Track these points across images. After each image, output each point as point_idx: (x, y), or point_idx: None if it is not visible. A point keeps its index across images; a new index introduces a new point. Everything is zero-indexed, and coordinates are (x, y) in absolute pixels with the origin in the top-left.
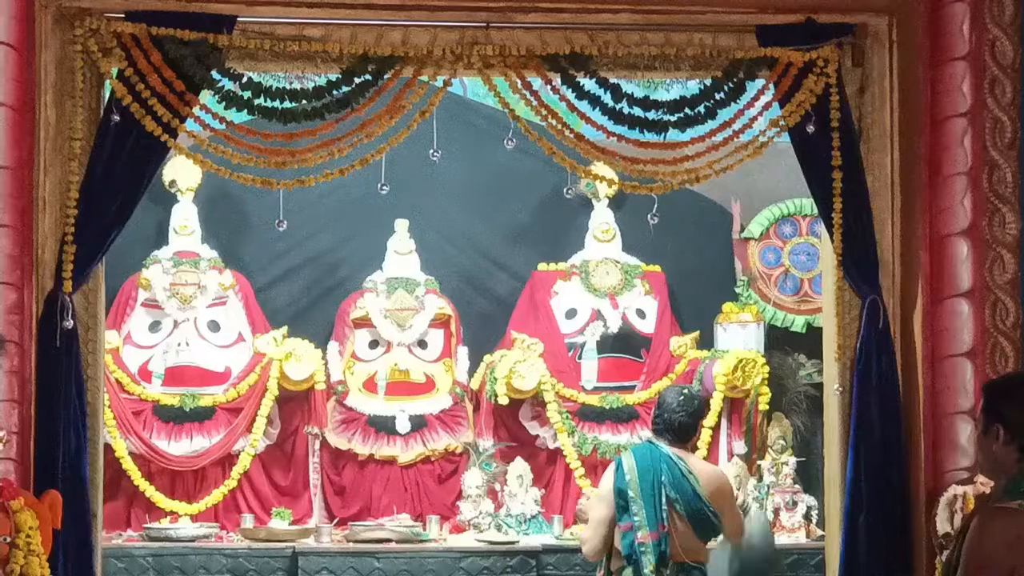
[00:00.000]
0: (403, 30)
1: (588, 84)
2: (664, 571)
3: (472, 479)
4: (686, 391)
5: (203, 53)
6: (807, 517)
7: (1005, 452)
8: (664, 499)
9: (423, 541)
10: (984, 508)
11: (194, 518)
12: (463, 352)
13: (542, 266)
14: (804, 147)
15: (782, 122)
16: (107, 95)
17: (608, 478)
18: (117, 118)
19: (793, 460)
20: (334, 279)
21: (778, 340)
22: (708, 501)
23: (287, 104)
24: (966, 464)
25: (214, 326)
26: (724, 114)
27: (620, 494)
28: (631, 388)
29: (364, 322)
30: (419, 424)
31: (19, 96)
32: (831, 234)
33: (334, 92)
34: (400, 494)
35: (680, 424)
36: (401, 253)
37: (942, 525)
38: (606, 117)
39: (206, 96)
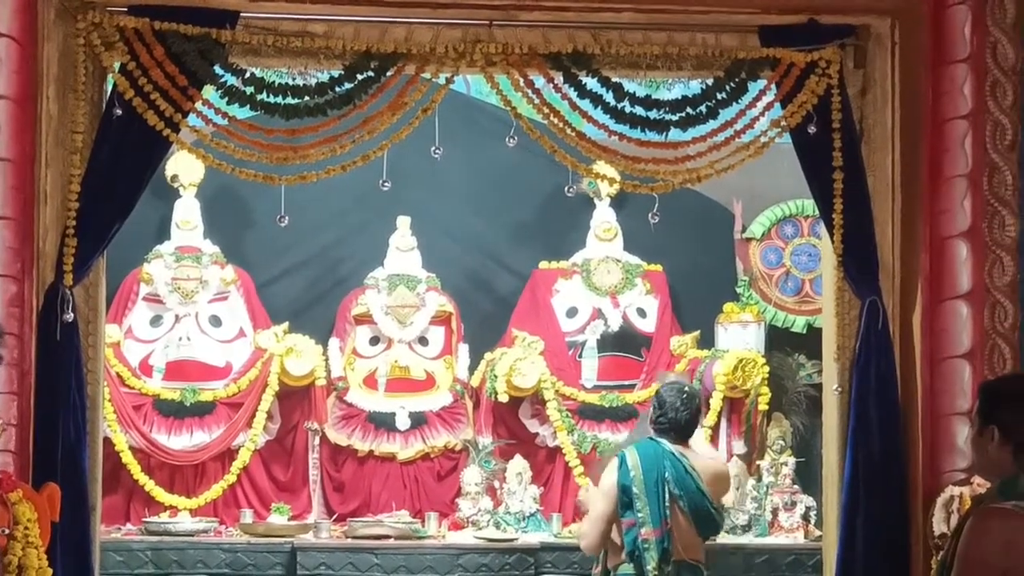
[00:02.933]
0: (406, 27)
1: (590, 83)
2: (666, 568)
3: (471, 476)
4: (687, 389)
5: (206, 48)
6: (806, 517)
7: (1000, 453)
8: (667, 496)
9: (421, 538)
10: (978, 508)
11: (193, 512)
12: (464, 349)
13: (543, 264)
14: (805, 148)
15: (784, 122)
16: (109, 89)
17: (611, 474)
18: (119, 112)
19: (792, 460)
20: (336, 275)
21: (779, 340)
22: (711, 498)
23: (290, 100)
24: (963, 465)
25: (215, 321)
26: (726, 114)
27: (624, 490)
28: (631, 387)
29: (365, 318)
30: (419, 421)
31: (21, 89)
32: (831, 235)
33: (337, 88)
34: (399, 490)
35: (685, 422)
36: (403, 250)
37: (939, 526)
38: (608, 116)
39: (209, 91)
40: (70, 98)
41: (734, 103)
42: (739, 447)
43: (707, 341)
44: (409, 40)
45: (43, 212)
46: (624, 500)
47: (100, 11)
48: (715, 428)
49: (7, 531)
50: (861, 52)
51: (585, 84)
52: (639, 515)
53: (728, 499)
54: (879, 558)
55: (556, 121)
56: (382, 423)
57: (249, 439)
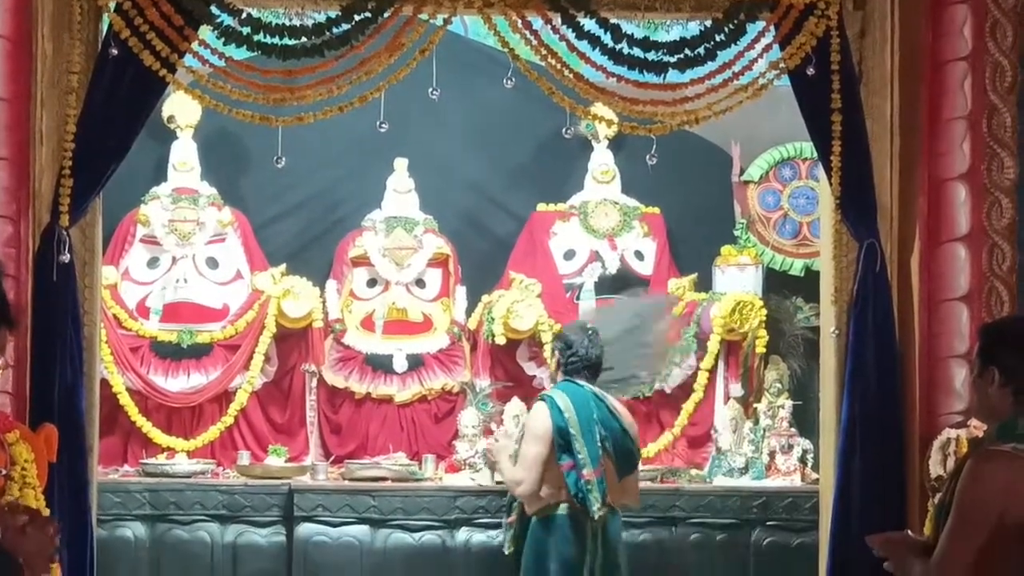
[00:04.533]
0: None
1: (588, 24)
2: (603, 510)
3: (468, 419)
4: (590, 328)
5: None
6: (802, 460)
7: (1000, 395)
8: (599, 437)
9: (418, 480)
10: (977, 451)
11: (190, 454)
12: (461, 292)
13: (541, 207)
14: (804, 90)
15: (782, 64)
16: (105, 29)
17: (543, 417)
18: (115, 52)
19: (789, 403)
20: (333, 217)
21: (776, 283)
22: (634, 437)
23: (286, 41)
24: (960, 408)
25: (212, 263)
26: (724, 56)
27: (561, 433)
28: None
29: (362, 260)
30: (416, 363)
31: (15, 28)
32: (829, 177)
33: (334, 29)
34: (396, 433)
35: (596, 358)
36: (400, 192)
37: (935, 468)
38: (606, 57)
39: (205, 32)
40: (65, 38)
41: (732, 45)
42: (736, 390)
43: (704, 284)
44: None
45: (39, 152)
46: (561, 443)
47: None
48: (712, 371)
49: (4, 472)
50: None
51: (583, 25)
52: (579, 456)
53: (725, 442)
54: (875, 501)
55: (554, 63)
56: (379, 365)
57: (246, 381)
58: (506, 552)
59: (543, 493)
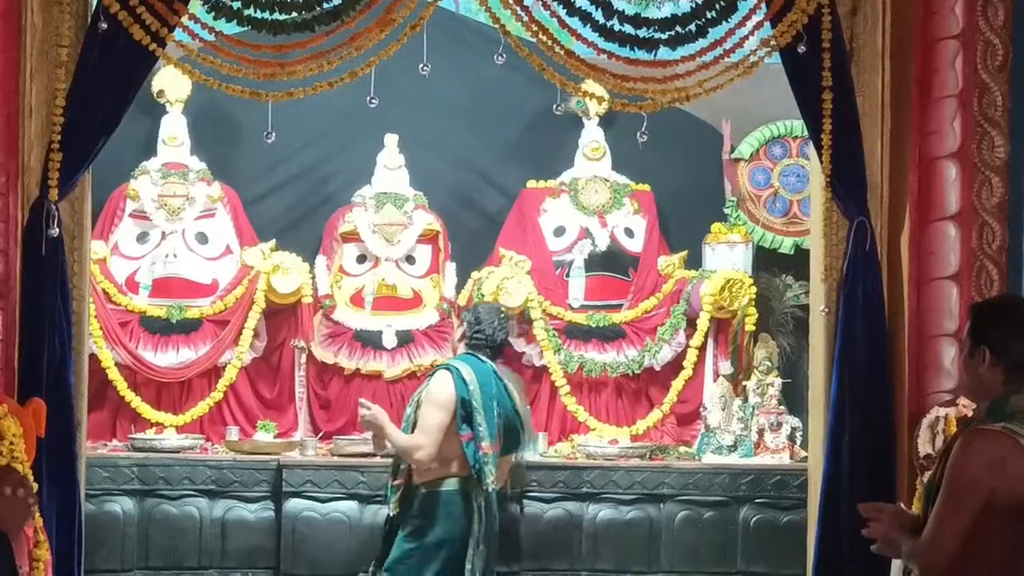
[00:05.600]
0: None
1: (579, 0)
2: (496, 484)
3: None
4: (503, 310)
5: None
6: (791, 438)
7: (990, 374)
8: (495, 413)
9: None
10: (967, 430)
11: (179, 429)
12: (451, 268)
13: (531, 183)
14: (795, 67)
15: (773, 42)
16: (95, 2)
17: (448, 386)
18: (104, 26)
19: (778, 381)
20: (323, 193)
21: (766, 261)
22: (524, 420)
23: (277, 15)
24: (949, 386)
25: (202, 238)
26: (715, 33)
27: (464, 404)
28: (618, 307)
29: (352, 236)
30: (405, 339)
31: (4, 2)
32: (820, 155)
33: (324, 4)
34: (386, 408)
35: (500, 341)
36: (390, 168)
37: (923, 446)
38: (597, 34)
39: (196, 6)
40: (55, 11)
41: (724, 22)
42: (725, 368)
43: (694, 261)
44: None
45: (28, 126)
46: (463, 414)
47: None
48: (701, 349)
49: None
50: None
51: (574, 1)
52: (479, 429)
53: (714, 420)
54: (864, 479)
55: (545, 39)
56: (369, 341)
57: (236, 356)
58: (391, 514)
59: (434, 464)
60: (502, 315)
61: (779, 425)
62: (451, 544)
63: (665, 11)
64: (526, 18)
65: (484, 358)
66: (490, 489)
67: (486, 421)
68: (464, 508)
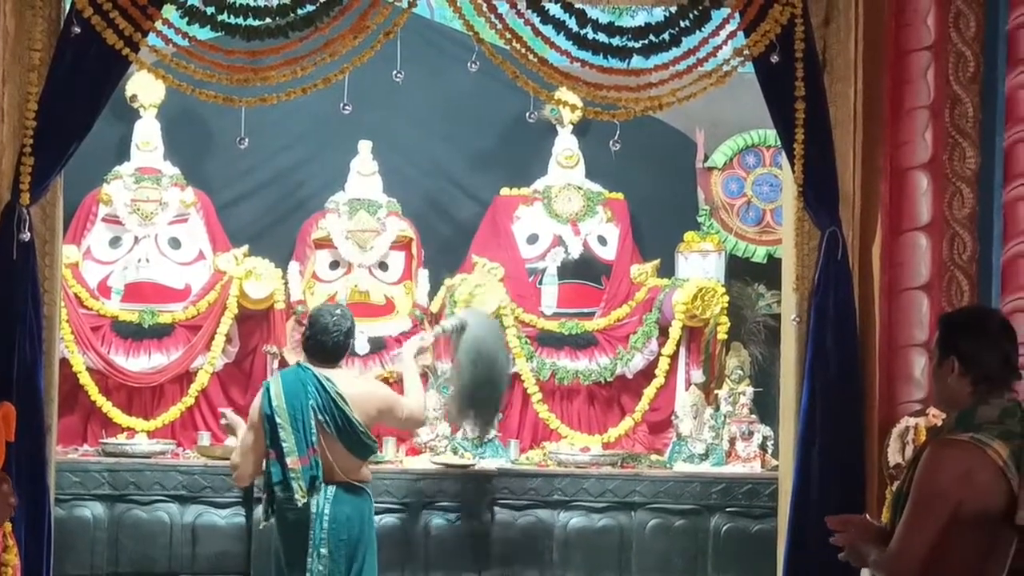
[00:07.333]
0: None
1: (553, 8)
2: (316, 496)
3: (429, 402)
4: (339, 310)
5: None
6: (763, 447)
7: (959, 385)
8: (313, 423)
9: (379, 462)
10: (935, 440)
11: (151, 434)
12: (423, 275)
13: (504, 191)
14: (768, 77)
15: (747, 51)
16: (68, 6)
17: (256, 402)
18: (77, 30)
19: (750, 390)
20: (296, 199)
21: (739, 270)
22: (358, 420)
23: (251, 21)
24: (919, 396)
25: (175, 243)
26: (688, 42)
27: (268, 420)
28: (591, 315)
29: (325, 243)
30: (378, 346)
31: None
32: (792, 165)
33: (298, 10)
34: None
35: (334, 344)
36: (364, 174)
37: (893, 456)
38: (570, 42)
39: (169, 11)
40: (27, 14)
41: (697, 31)
42: (697, 376)
43: (667, 270)
44: None
45: (0, 130)
46: (268, 430)
47: None
48: (673, 357)
49: None
50: None
51: (548, 10)
52: (284, 445)
53: (686, 428)
54: (834, 488)
55: (518, 47)
56: None
57: (207, 362)
58: (260, 527)
59: (257, 483)
60: (336, 315)
61: (751, 434)
62: (277, 562)
63: (639, 20)
64: (500, 25)
65: (309, 365)
66: (299, 504)
67: (293, 435)
68: (281, 525)
